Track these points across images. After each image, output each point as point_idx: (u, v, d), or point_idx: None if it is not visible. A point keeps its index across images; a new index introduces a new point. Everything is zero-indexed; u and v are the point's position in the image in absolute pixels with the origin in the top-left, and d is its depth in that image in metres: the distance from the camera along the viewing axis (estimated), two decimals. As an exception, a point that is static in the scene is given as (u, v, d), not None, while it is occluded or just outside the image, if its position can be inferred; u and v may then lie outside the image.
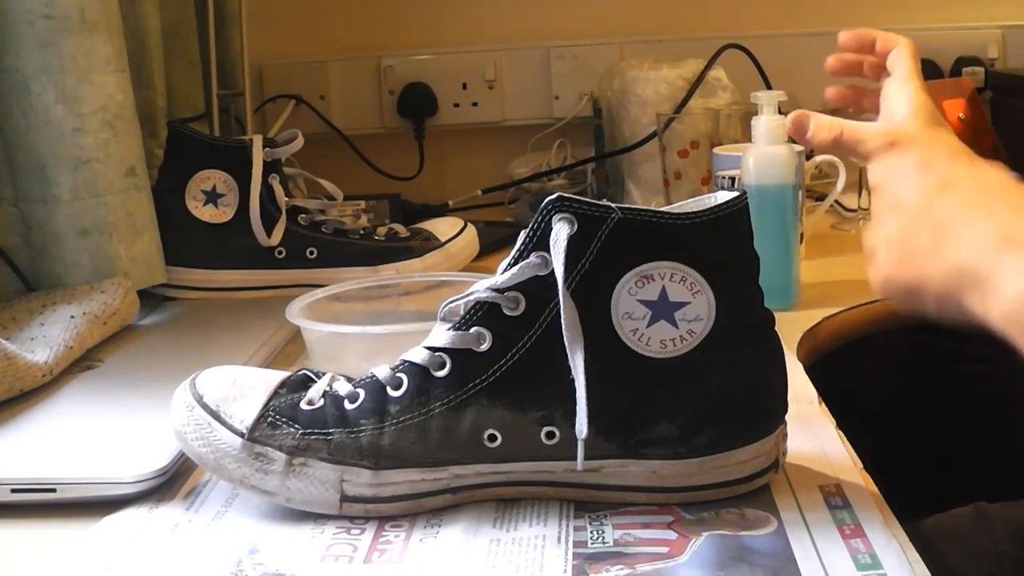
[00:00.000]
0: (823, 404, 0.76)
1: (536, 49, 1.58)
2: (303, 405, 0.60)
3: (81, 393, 0.82)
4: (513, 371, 0.58)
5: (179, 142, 1.11)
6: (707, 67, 1.35)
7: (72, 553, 0.59)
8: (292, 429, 0.59)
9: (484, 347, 0.58)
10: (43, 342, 0.84)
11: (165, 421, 0.63)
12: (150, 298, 1.06)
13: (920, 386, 1.28)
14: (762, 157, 0.97)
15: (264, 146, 1.10)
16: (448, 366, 0.59)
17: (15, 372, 0.78)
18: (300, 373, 0.64)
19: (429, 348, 0.59)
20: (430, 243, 1.13)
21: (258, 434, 0.59)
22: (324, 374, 0.63)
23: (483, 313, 0.58)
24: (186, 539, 0.59)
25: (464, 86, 1.59)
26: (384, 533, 0.58)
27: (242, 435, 0.60)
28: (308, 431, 0.59)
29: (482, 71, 1.58)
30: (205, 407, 0.61)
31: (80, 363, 0.87)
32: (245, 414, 0.60)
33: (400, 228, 1.15)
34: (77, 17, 0.93)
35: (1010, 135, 1.39)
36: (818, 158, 1.25)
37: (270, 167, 1.10)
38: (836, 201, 1.32)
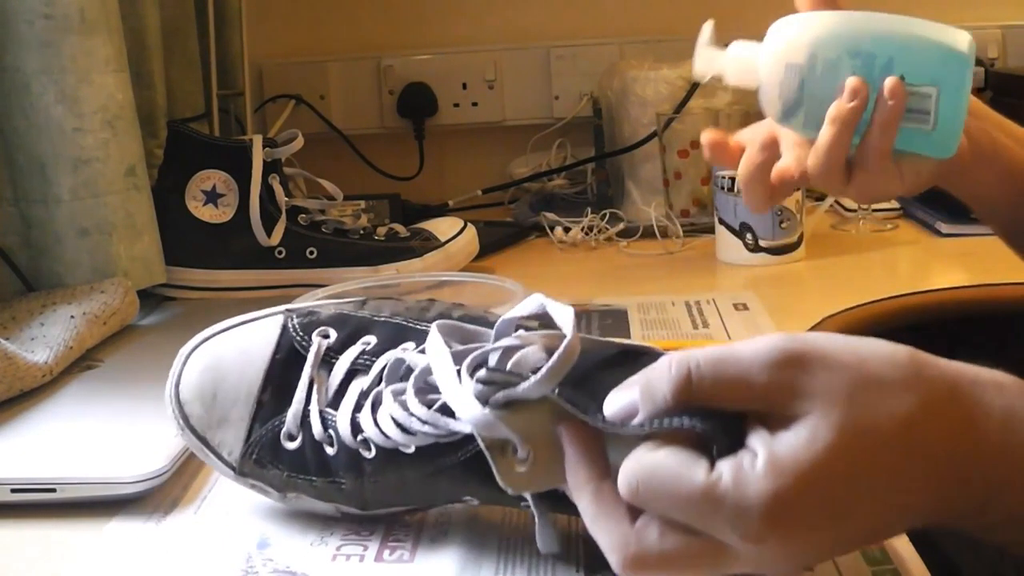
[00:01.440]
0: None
1: (536, 49, 1.58)
2: (284, 442, 0.57)
3: (81, 393, 0.82)
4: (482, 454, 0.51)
5: (179, 142, 1.11)
6: (707, 67, 1.35)
7: (80, 555, 0.59)
8: (277, 470, 0.58)
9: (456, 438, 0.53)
10: (43, 342, 0.84)
11: (165, 421, 0.63)
12: (150, 298, 1.06)
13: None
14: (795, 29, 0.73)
15: (264, 146, 1.10)
16: (413, 447, 0.54)
17: (15, 372, 0.78)
18: (285, 350, 0.58)
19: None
20: (430, 243, 1.13)
21: (247, 470, 0.58)
22: (309, 343, 0.58)
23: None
24: (195, 536, 0.59)
25: (464, 86, 1.59)
26: (394, 531, 0.58)
27: (233, 468, 0.59)
28: (292, 474, 0.58)
29: (482, 71, 1.58)
30: (193, 431, 0.59)
31: (80, 363, 0.87)
32: (232, 445, 0.58)
33: (400, 228, 1.15)
34: (77, 17, 0.93)
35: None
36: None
37: (270, 167, 1.10)
38: (836, 201, 1.33)
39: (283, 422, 0.57)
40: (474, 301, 0.83)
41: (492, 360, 0.50)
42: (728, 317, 0.95)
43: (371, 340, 0.57)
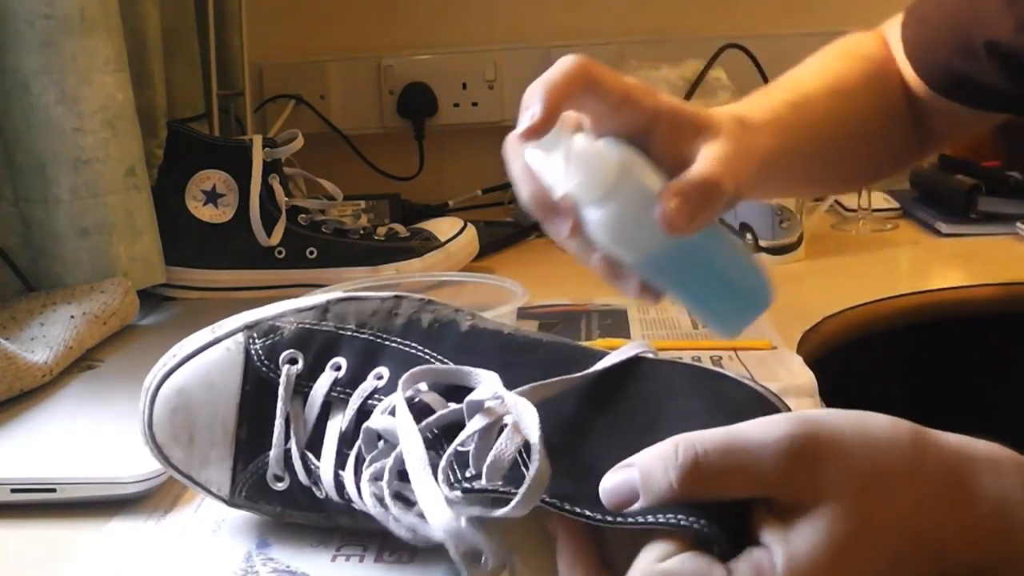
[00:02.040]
0: (821, 400, 0.76)
1: (536, 49, 1.58)
2: (272, 483, 0.56)
3: (81, 393, 0.82)
4: None
5: (179, 142, 1.11)
6: (707, 67, 1.35)
7: (80, 555, 0.59)
8: (269, 506, 0.57)
9: None
10: (43, 342, 0.84)
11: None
12: (150, 298, 1.06)
13: (920, 386, 1.28)
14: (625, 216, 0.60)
15: (264, 146, 1.10)
16: None
17: (15, 372, 0.78)
18: (253, 380, 0.56)
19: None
20: (430, 243, 1.13)
21: (239, 503, 0.58)
22: (277, 371, 0.56)
23: None
24: (195, 536, 0.59)
25: (464, 86, 1.59)
26: (393, 533, 0.58)
27: (225, 501, 0.58)
28: (286, 509, 0.57)
29: (482, 71, 1.58)
30: (177, 471, 0.58)
31: (80, 363, 0.87)
32: (219, 483, 0.57)
33: (400, 228, 1.15)
34: (77, 17, 0.93)
35: (1010, 135, 1.39)
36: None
37: (270, 167, 1.10)
38: (836, 201, 1.33)
39: (266, 463, 0.56)
40: (474, 301, 0.83)
41: (469, 446, 0.47)
42: (728, 317, 0.95)
43: (341, 364, 0.55)
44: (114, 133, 0.97)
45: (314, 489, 0.55)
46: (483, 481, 0.46)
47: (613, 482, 0.44)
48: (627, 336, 0.91)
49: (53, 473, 0.64)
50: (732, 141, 0.63)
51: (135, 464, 0.64)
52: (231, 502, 0.58)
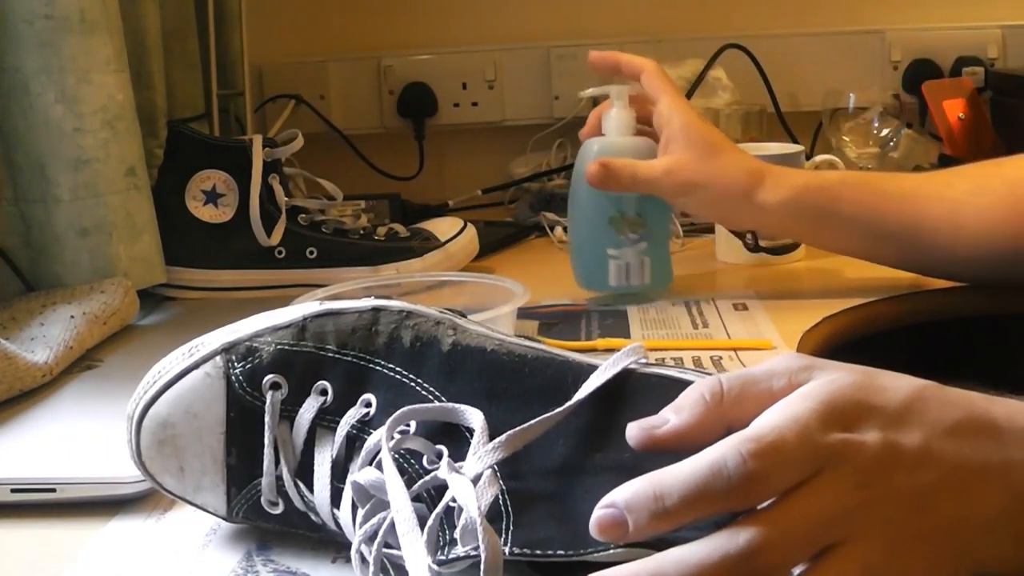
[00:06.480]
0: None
1: (536, 49, 1.58)
2: (267, 507, 0.56)
3: (81, 393, 0.82)
4: None
5: (179, 142, 1.11)
6: (707, 67, 1.35)
7: (80, 555, 0.59)
8: (268, 524, 0.57)
9: None
10: (43, 342, 0.84)
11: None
12: (150, 298, 1.06)
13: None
14: (609, 146, 1.02)
15: (264, 146, 1.10)
16: None
17: (15, 372, 0.78)
18: (237, 408, 0.55)
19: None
20: (430, 243, 1.13)
21: (238, 521, 0.58)
22: (260, 398, 0.55)
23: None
24: (195, 536, 0.60)
25: (464, 86, 1.59)
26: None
27: (225, 519, 0.58)
28: (286, 528, 0.57)
29: (482, 71, 1.58)
30: (173, 495, 0.58)
31: (80, 363, 0.87)
32: (215, 506, 0.57)
33: (400, 228, 1.15)
34: (77, 17, 0.93)
35: (1010, 135, 1.39)
36: (817, 158, 1.25)
37: (270, 167, 1.10)
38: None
39: (260, 490, 0.55)
40: (474, 301, 0.83)
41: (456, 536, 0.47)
42: (728, 317, 0.95)
43: (326, 388, 0.54)
44: (114, 133, 0.97)
45: (311, 515, 0.55)
46: (459, 547, 0.46)
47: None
48: (627, 336, 0.91)
49: (53, 473, 0.64)
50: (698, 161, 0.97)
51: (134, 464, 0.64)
52: (230, 520, 0.58)
